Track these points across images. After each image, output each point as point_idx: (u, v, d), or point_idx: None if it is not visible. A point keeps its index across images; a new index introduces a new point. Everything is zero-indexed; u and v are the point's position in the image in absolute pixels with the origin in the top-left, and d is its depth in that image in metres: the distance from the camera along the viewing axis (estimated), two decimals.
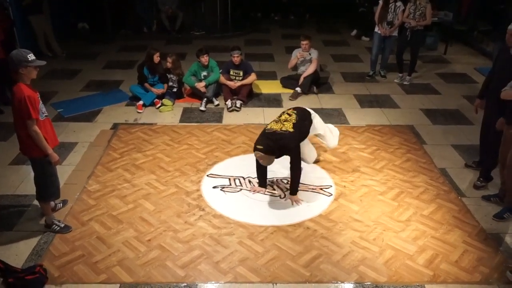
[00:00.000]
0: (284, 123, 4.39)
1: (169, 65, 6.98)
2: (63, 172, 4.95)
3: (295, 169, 4.41)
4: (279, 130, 4.30)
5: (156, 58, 6.81)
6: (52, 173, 3.93)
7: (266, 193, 4.69)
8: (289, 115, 4.51)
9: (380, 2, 7.80)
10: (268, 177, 4.87)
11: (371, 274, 3.64)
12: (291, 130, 4.31)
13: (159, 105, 6.68)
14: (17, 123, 3.68)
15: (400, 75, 8.02)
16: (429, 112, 6.75)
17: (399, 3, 7.61)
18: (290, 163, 4.39)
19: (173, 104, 6.80)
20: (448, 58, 9.53)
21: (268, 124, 4.51)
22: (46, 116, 3.82)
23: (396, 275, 3.63)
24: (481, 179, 4.91)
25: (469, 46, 10.21)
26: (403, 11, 7.55)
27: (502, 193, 4.50)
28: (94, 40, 10.53)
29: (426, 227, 4.19)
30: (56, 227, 4.05)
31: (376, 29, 7.89)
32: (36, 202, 4.30)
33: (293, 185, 4.55)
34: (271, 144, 4.18)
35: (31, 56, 3.58)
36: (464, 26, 10.24)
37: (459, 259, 3.81)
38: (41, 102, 3.76)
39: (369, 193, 4.71)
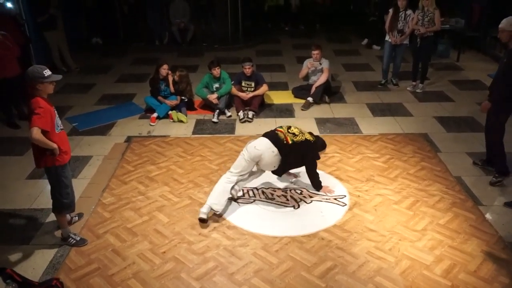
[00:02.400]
0: (302, 134, 4.59)
1: (176, 78, 7.06)
2: (78, 186, 5.00)
3: (311, 172, 4.73)
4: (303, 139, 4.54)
5: (163, 70, 6.88)
6: (67, 185, 3.97)
7: (280, 204, 4.68)
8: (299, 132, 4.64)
9: (390, 11, 7.81)
10: (281, 187, 4.91)
11: (387, 284, 3.59)
12: (312, 139, 4.62)
13: (172, 119, 6.75)
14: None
15: (414, 83, 7.98)
16: (442, 120, 6.70)
17: (409, 11, 7.60)
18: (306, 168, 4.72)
19: (187, 115, 6.86)
20: (461, 65, 9.47)
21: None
22: (61, 129, 3.88)
23: (413, 286, 3.57)
24: (496, 175, 5.03)
25: (481, 53, 10.14)
26: (413, 19, 7.53)
27: None
28: (107, 54, 10.70)
29: (442, 237, 4.13)
30: (72, 240, 4.09)
31: (387, 38, 7.89)
32: (52, 216, 4.35)
33: (313, 184, 4.78)
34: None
35: (47, 72, 3.65)
36: (476, 33, 10.17)
37: (478, 269, 3.74)
38: (57, 115, 3.82)
39: (383, 202, 4.67)
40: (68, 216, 4.30)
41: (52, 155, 3.74)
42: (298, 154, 4.52)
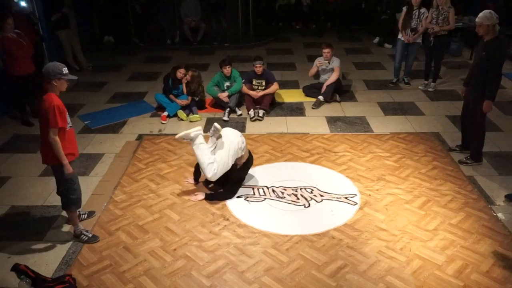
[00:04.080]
0: None
1: (187, 78, 7.08)
2: (90, 183, 5.06)
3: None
4: None
5: (179, 73, 6.92)
6: (73, 181, 4.02)
7: (290, 202, 4.68)
8: None
9: (404, 9, 7.75)
10: (291, 186, 4.92)
11: (398, 284, 3.57)
12: None
13: (179, 118, 6.78)
14: (43, 132, 3.80)
15: (426, 82, 7.92)
16: (455, 119, 6.62)
17: (423, 10, 7.53)
18: None
19: (198, 114, 6.88)
20: None
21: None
22: (70, 126, 3.95)
23: (424, 286, 3.55)
24: (469, 157, 5.37)
25: None
26: (427, 18, 7.46)
27: None
28: (119, 52, 10.78)
29: (454, 237, 4.10)
30: (85, 237, 4.13)
31: (400, 36, 7.83)
32: (64, 213, 4.40)
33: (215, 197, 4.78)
34: None
35: (66, 70, 3.77)
36: None
37: (490, 270, 3.70)
38: (67, 112, 3.88)
39: (394, 201, 4.65)
40: (76, 212, 4.35)
41: (62, 168, 3.86)
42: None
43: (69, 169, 3.87)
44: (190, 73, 7.10)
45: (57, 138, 3.73)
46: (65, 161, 3.83)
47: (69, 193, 4.02)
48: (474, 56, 5.29)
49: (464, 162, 5.35)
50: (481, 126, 5.23)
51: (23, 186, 5.10)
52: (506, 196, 4.67)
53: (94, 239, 4.14)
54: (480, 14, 4.87)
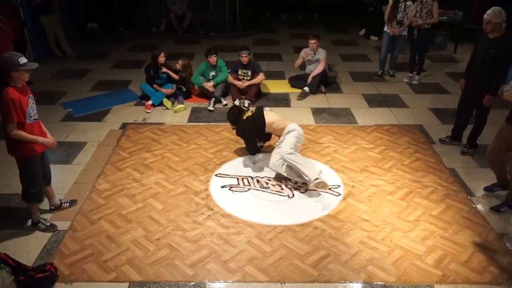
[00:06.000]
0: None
1: (178, 67, 7.05)
2: (73, 172, 5.01)
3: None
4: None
5: (161, 58, 6.84)
6: (35, 176, 3.95)
7: (275, 192, 4.69)
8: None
9: (390, 2, 7.76)
10: (276, 176, 4.93)
11: (379, 274, 3.63)
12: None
13: (165, 107, 6.73)
14: (3, 125, 3.69)
15: (410, 74, 7.98)
16: (438, 112, 6.71)
17: (409, 3, 7.56)
18: None
19: (183, 103, 6.84)
20: (458, 57, 9.46)
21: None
22: (35, 119, 3.81)
23: (404, 275, 3.61)
24: (468, 146, 5.52)
25: None
26: (412, 11, 7.50)
27: (500, 183, 4.70)
28: (104, 40, 10.61)
29: (435, 227, 4.17)
30: (42, 225, 4.11)
31: (385, 29, 7.85)
32: (45, 202, 4.35)
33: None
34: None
35: (23, 60, 3.58)
36: (474, 25, 10.13)
37: (469, 260, 3.79)
38: (31, 105, 3.75)
39: (377, 193, 4.70)
40: (57, 201, 4.32)
41: (24, 162, 3.85)
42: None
43: (48, 142, 3.87)
44: (180, 62, 7.07)
45: (17, 131, 3.63)
46: (40, 139, 3.81)
47: (30, 186, 3.97)
48: (477, 50, 5.24)
49: (466, 152, 5.48)
50: (485, 116, 5.33)
51: (4, 174, 5.00)
52: (484, 188, 4.76)
53: (52, 228, 4.11)
54: (489, 11, 4.81)
